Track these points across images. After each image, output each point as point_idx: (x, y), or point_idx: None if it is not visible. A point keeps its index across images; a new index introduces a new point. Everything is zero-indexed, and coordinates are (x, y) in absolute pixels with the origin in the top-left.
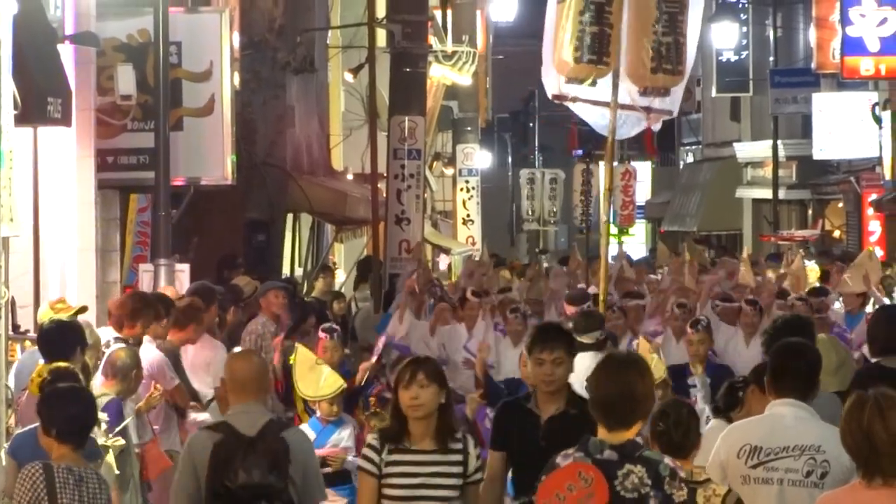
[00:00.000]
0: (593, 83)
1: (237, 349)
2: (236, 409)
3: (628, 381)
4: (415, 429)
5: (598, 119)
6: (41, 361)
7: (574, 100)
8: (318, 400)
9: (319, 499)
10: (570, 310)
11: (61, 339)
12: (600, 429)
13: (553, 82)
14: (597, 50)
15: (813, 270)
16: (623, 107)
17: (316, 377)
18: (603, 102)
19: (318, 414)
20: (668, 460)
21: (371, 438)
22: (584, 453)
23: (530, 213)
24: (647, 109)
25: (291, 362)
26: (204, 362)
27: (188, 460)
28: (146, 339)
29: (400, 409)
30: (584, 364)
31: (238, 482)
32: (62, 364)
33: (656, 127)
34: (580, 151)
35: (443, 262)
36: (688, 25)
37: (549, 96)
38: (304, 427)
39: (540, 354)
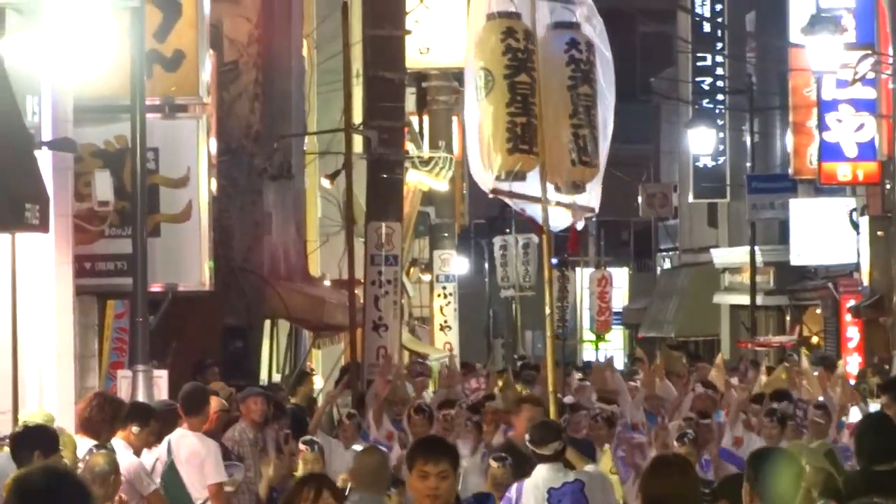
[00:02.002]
0: (522, 177)
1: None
2: (353, 497)
3: (676, 480)
4: None
5: (534, 213)
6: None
7: (510, 195)
8: None
9: None
10: None
11: (18, 445)
12: None
13: (486, 180)
14: (528, 140)
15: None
16: (550, 202)
17: None
18: (533, 197)
19: None
20: None
21: None
22: None
23: (505, 280)
24: (571, 206)
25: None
26: (198, 460)
27: None
28: (122, 444)
29: None
30: (541, 475)
31: None
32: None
33: (579, 225)
34: (554, 260)
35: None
36: (598, 120)
37: (488, 192)
38: None
39: (424, 467)
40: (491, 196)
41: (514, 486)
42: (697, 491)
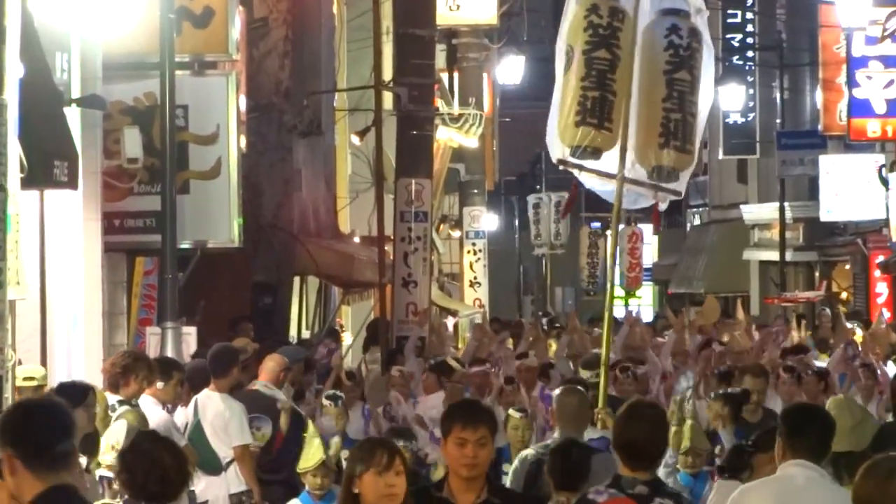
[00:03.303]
0: (597, 155)
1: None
2: (555, 434)
3: (650, 426)
4: None
5: (603, 188)
6: None
7: (579, 168)
8: (304, 472)
9: None
10: (586, 374)
11: None
12: (623, 467)
13: (557, 150)
14: (598, 114)
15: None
16: (630, 181)
17: (308, 449)
18: (608, 174)
19: (307, 487)
20: (684, 493)
21: None
22: (618, 489)
23: (538, 237)
24: (656, 187)
25: (305, 435)
26: (222, 422)
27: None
28: (151, 400)
29: (356, 499)
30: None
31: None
32: None
33: (663, 206)
34: (598, 224)
35: (450, 323)
36: (697, 107)
37: (554, 160)
38: (295, 501)
39: (461, 433)
40: (561, 168)
41: None
42: (666, 437)
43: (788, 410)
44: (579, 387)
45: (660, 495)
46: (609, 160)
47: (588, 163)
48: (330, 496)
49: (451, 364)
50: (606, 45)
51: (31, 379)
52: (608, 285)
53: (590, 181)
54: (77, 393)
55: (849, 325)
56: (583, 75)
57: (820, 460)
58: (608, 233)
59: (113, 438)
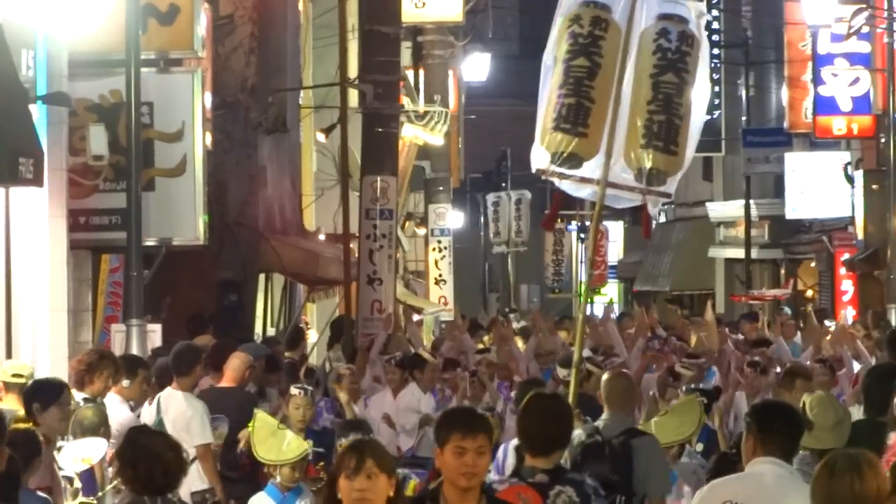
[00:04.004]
0: (575, 162)
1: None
2: (605, 415)
3: (546, 417)
4: None
5: (584, 193)
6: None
7: (560, 176)
8: (281, 464)
9: (665, 491)
10: (563, 373)
11: (25, 398)
12: (527, 456)
13: (540, 159)
14: (571, 120)
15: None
16: (614, 185)
17: (278, 441)
18: (591, 180)
19: (278, 480)
20: (589, 480)
21: None
22: (519, 478)
23: (497, 235)
24: (643, 191)
25: (251, 428)
26: (184, 420)
27: None
28: (117, 399)
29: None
30: None
31: None
32: (21, 425)
33: (654, 210)
34: (572, 227)
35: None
36: (687, 109)
37: (534, 170)
38: (262, 495)
39: (461, 442)
40: (544, 178)
41: (501, 447)
42: (569, 429)
43: (758, 407)
44: (560, 386)
45: (560, 483)
46: (589, 169)
47: (569, 171)
48: (297, 490)
49: (423, 356)
50: (586, 52)
51: (20, 376)
52: (582, 285)
53: (570, 188)
54: (52, 390)
55: (829, 324)
56: (560, 83)
57: (789, 457)
58: (573, 223)
59: (87, 453)
